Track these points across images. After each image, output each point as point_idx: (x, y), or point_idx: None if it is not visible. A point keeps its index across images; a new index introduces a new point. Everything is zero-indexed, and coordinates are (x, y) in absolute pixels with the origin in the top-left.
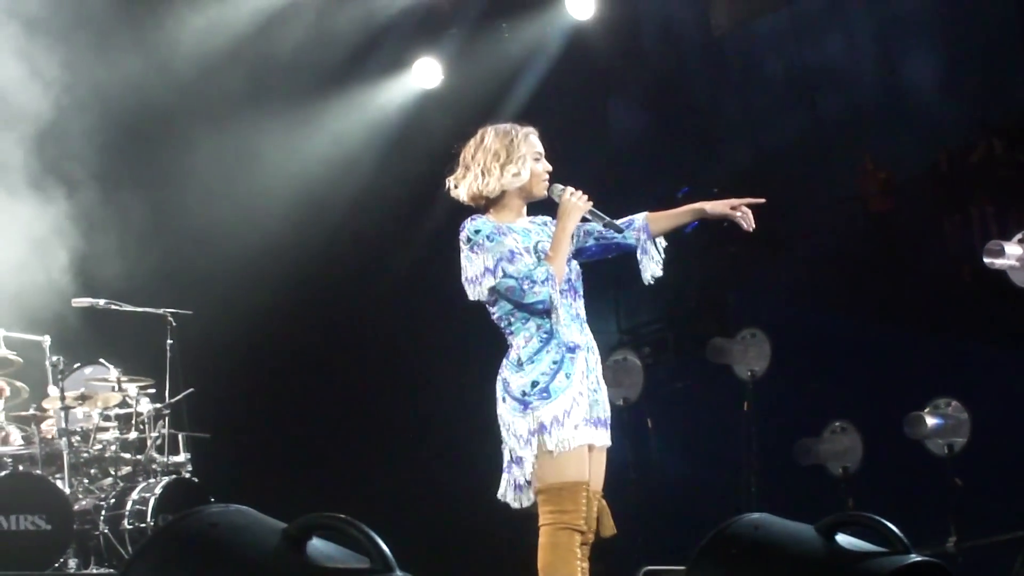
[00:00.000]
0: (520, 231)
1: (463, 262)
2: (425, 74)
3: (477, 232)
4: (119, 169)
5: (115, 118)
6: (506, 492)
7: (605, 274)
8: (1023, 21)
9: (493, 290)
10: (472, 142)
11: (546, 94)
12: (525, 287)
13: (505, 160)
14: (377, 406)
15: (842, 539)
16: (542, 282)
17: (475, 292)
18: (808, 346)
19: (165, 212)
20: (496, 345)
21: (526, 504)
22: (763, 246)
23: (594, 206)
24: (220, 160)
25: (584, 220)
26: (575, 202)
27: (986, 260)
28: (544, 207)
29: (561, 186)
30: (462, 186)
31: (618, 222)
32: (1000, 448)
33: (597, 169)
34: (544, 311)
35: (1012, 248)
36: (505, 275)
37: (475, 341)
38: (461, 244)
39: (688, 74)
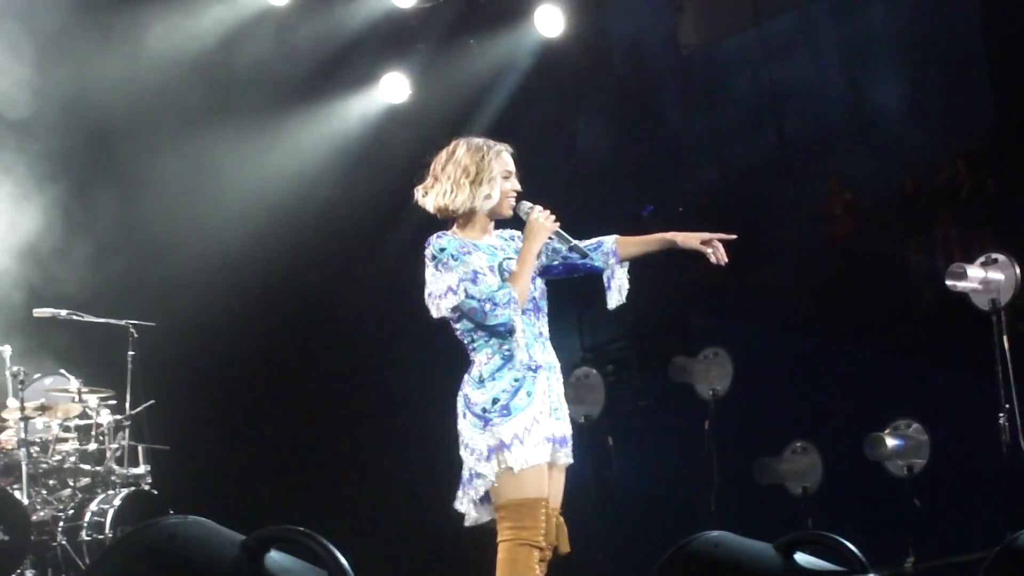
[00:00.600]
0: (485, 248)
1: (427, 278)
2: (392, 89)
3: (442, 251)
4: (82, 178)
5: (78, 127)
6: (463, 505)
7: (569, 291)
8: (988, 45)
9: (456, 308)
10: (444, 153)
11: (514, 110)
12: (487, 309)
13: (475, 177)
14: (338, 419)
15: (801, 558)
16: (504, 304)
17: (437, 309)
18: (770, 366)
19: (128, 223)
20: (461, 359)
21: (484, 520)
22: (727, 265)
23: (561, 226)
24: (184, 172)
25: (549, 240)
26: (542, 222)
27: (948, 283)
28: (513, 222)
29: (529, 204)
30: (430, 196)
31: (586, 243)
32: (959, 470)
33: (563, 186)
34: (506, 332)
35: (974, 271)
36: (468, 296)
37: (439, 355)
38: (426, 260)
39: (656, 92)
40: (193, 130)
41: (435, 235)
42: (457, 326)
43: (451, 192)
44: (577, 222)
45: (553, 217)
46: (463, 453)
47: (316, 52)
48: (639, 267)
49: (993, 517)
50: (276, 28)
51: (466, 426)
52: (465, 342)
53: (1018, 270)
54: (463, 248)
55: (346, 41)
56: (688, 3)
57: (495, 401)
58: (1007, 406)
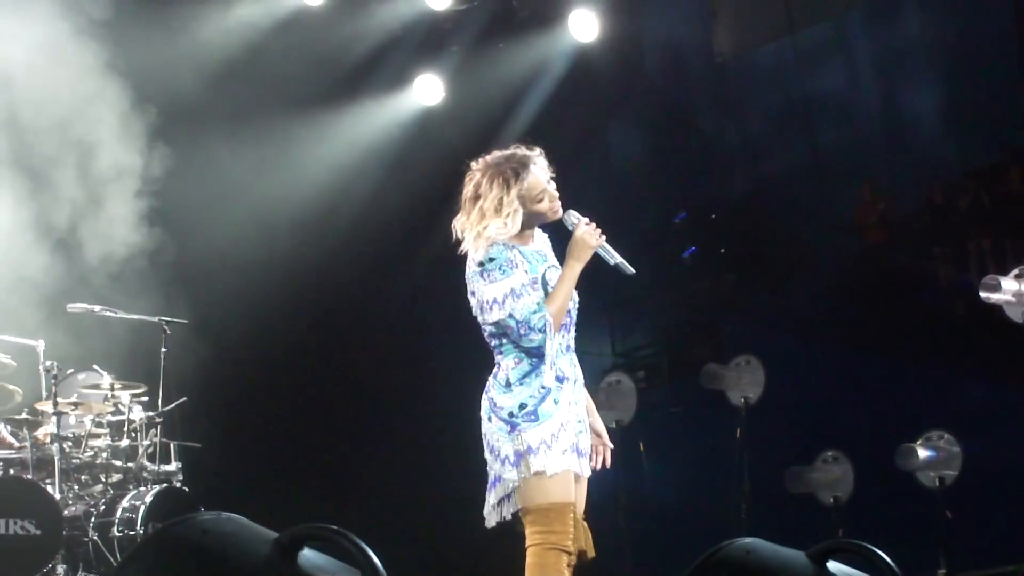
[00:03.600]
0: (531, 256)
1: (473, 280)
2: (426, 91)
3: (491, 260)
4: (119, 176)
5: (116, 124)
6: (487, 508)
7: (601, 297)
8: (1022, 56)
9: (495, 323)
10: (470, 187)
11: (547, 115)
12: (522, 332)
13: (499, 206)
14: (370, 418)
15: (833, 566)
16: (538, 330)
17: (481, 316)
18: (802, 374)
19: (164, 221)
20: (491, 362)
21: (506, 517)
22: (759, 273)
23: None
24: (220, 173)
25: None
26: (588, 240)
27: (982, 295)
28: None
29: (576, 215)
30: (467, 235)
31: None
32: (991, 482)
33: (596, 191)
34: (536, 354)
35: (1008, 283)
36: (509, 315)
37: (470, 356)
38: (472, 264)
39: (689, 99)
40: (228, 130)
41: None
42: (488, 327)
43: (479, 222)
44: (610, 228)
45: (599, 232)
46: (488, 456)
47: (350, 53)
48: (670, 275)
49: None
50: (310, 29)
51: (492, 430)
52: (492, 343)
53: None
54: (510, 262)
55: (380, 42)
56: (723, 11)
57: (522, 407)
58: None
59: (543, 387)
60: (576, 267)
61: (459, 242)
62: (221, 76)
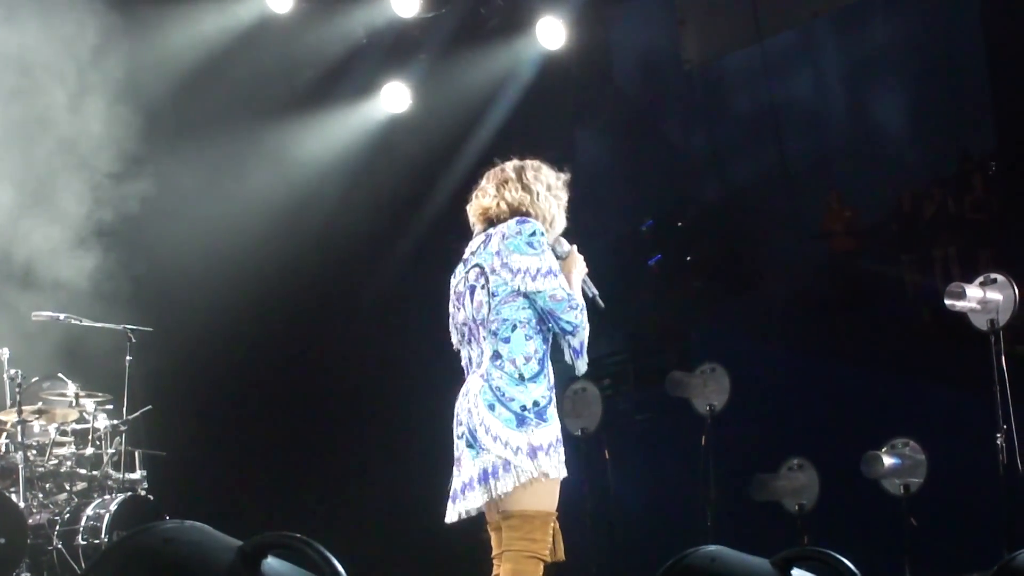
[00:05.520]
0: None
1: (510, 252)
2: (394, 99)
3: (543, 235)
4: (86, 184)
5: (81, 131)
6: (476, 502)
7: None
8: (990, 65)
9: (535, 292)
10: (529, 168)
11: (515, 122)
12: (571, 305)
13: (559, 200)
14: (335, 426)
15: (798, 574)
16: (580, 309)
17: (515, 283)
18: (767, 382)
19: (129, 228)
20: (459, 371)
21: (468, 516)
22: (726, 281)
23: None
24: (186, 180)
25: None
26: (581, 264)
27: (947, 302)
28: None
29: (567, 243)
30: (521, 202)
31: None
32: (956, 490)
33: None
34: (569, 332)
35: (973, 291)
36: (560, 286)
37: (437, 365)
38: (515, 235)
39: (657, 106)
40: (194, 137)
41: (527, 218)
42: (504, 308)
43: (546, 200)
44: (576, 236)
45: (584, 264)
46: (488, 443)
47: (317, 61)
48: (637, 281)
49: (990, 537)
50: (277, 36)
51: (493, 419)
52: (499, 329)
53: (1017, 291)
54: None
55: (347, 50)
56: (690, 19)
57: (536, 404)
58: (1004, 427)
59: (549, 389)
60: (577, 278)
61: (431, 241)
62: (188, 84)
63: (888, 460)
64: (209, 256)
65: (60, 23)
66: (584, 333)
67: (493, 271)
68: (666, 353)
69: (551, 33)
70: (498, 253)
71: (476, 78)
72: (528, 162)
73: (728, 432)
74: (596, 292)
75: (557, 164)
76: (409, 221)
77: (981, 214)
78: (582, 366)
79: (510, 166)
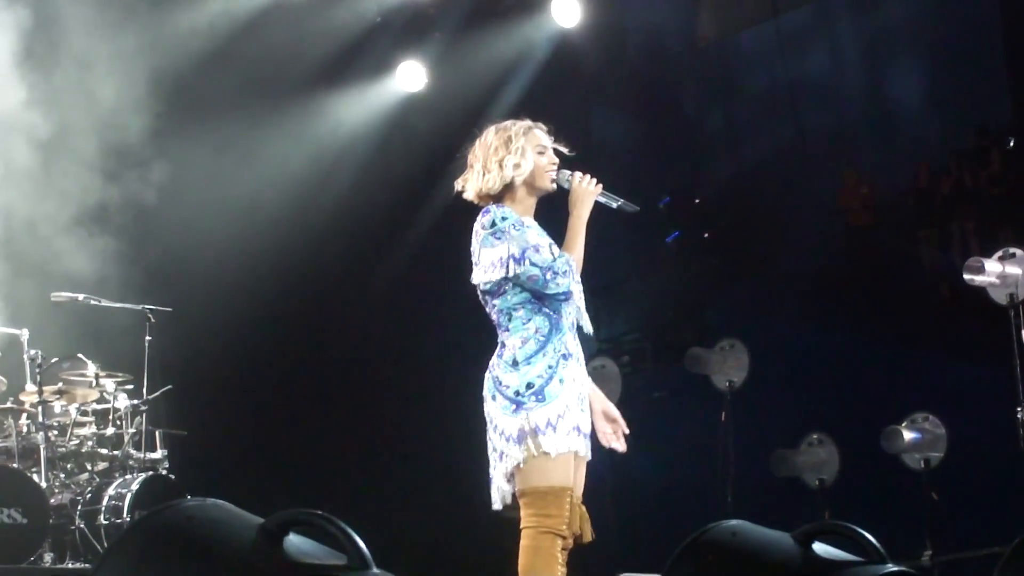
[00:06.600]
0: (535, 226)
1: (480, 247)
2: (409, 78)
3: (504, 219)
4: (103, 164)
5: (98, 114)
6: (495, 490)
7: (584, 283)
8: (1007, 39)
9: (512, 279)
10: (477, 142)
11: (529, 100)
12: (547, 277)
13: (504, 154)
14: (355, 403)
15: (819, 548)
16: (563, 273)
17: (488, 276)
18: (786, 358)
19: (147, 209)
20: (484, 345)
21: (508, 502)
22: (743, 257)
23: (604, 187)
24: (203, 161)
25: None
26: (586, 187)
27: (966, 277)
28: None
29: (568, 172)
30: (468, 186)
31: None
32: (976, 464)
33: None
34: (564, 300)
35: (992, 265)
36: (531, 264)
37: (459, 339)
38: (480, 229)
39: (672, 84)
40: (213, 119)
41: (494, 205)
42: (496, 301)
43: (483, 175)
44: (593, 213)
45: (595, 181)
46: (492, 435)
47: (332, 41)
48: (655, 257)
49: (1010, 511)
50: (292, 16)
51: (495, 408)
52: (500, 320)
53: None
54: (522, 222)
55: (362, 30)
56: None
57: (529, 386)
58: None
59: (550, 367)
60: (582, 213)
61: (446, 219)
62: (203, 65)
63: (908, 435)
64: (227, 236)
65: (78, 4)
66: (575, 292)
67: (476, 267)
68: (684, 330)
69: (566, 11)
70: (475, 252)
71: (491, 56)
72: (479, 138)
73: (747, 408)
74: (621, 200)
75: (572, 142)
76: (425, 199)
77: (999, 188)
78: (587, 325)
79: (476, 143)
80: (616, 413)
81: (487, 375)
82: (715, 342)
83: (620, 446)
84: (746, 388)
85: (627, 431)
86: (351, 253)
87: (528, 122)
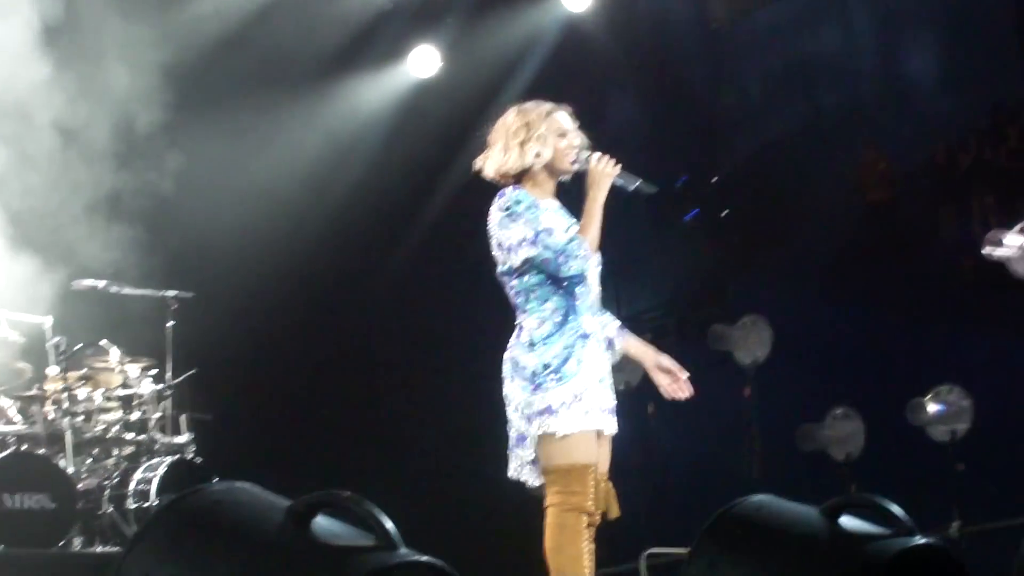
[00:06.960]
0: (554, 209)
1: (497, 231)
2: (422, 63)
3: (518, 202)
4: (122, 151)
5: (116, 101)
6: (519, 471)
7: (606, 261)
8: (1020, 14)
9: (528, 261)
10: (498, 121)
11: (545, 84)
12: (560, 260)
13: (525, 138)
14: (381, 386)
15: (846, 521)
16: (576, 256)
17: (508, 260)
18: (809, 333)
19: (165, 196)
20: (505, 327)
21: (534, 484)
22: (763, 234)
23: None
24: (220, 147)
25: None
26: (603, 169)
27: (986, 250)
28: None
29: (587, 152)
30: (487, 165)
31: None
32: (1002, 435)
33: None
34: (578, 282)
35: (1012, 238)
36: (544, 247)
37: (485, 319)
38: (496, 212)
39: (685, 65)
40: (229, 106)
41: (510, 187)
42: (514, 283)
43: (503, 154)
44: (610, 196)
45: (614, 161)
46: (512, 415)
47: (344, 26)
48: (675, 237)
49: None
50: (304, 3)
51: (514, 389)
52: (518, 301)
53: None
54: (538, 204)
55: (375, 14)
56: None
57: (546, 367)
58: None
59: (567, 347)
60: (598, 195)
61: (462, 203)
62: (217, 52)
63: (933, 407)
64: (244, 223)
65: None
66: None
67: (497, 244)
68: (706, 307)
69: None
70: (492, 234)
71: (505, 40)
72: (500, 118)
73: (772, 383)
74: (639, 181)
75: (587, 125)
76: (440, 184)
77: (1018, 163)
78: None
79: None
80: (669, 363)
81: (505, 356)
82: (737, 318)
83: (684, 393)
84: (770, 363)
85: (685, 375)
86: (368, 236)
87: (550, 104)
